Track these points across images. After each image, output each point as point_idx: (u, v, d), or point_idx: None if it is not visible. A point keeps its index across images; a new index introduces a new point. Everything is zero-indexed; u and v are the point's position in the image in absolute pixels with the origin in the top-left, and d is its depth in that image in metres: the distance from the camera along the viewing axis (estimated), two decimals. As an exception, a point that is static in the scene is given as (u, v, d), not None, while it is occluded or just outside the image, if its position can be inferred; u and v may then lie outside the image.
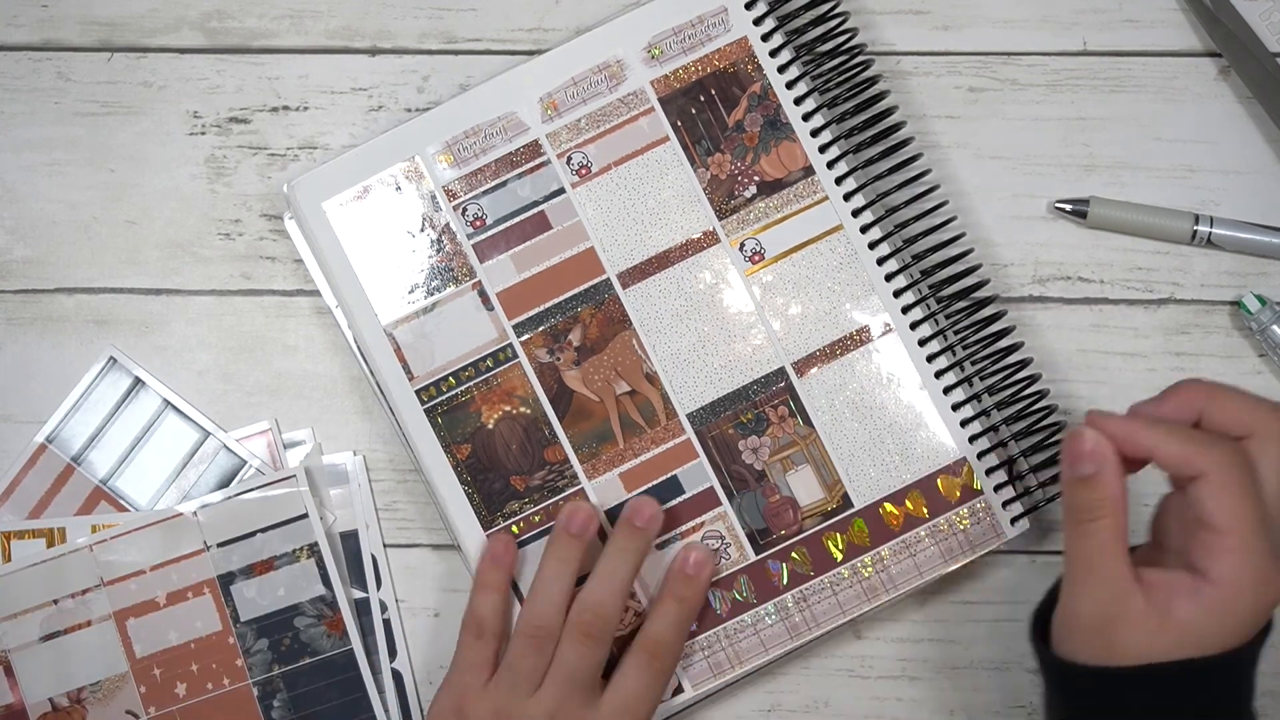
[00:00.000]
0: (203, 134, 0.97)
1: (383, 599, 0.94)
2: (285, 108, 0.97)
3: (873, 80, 0.92)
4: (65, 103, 0.97)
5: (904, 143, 0.92)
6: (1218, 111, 0.96)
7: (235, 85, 0.97)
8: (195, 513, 0.93)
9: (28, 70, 0.97)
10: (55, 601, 0.92)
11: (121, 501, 0.94)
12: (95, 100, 0.97)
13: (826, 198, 0.92)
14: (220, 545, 0.93)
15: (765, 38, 0.92)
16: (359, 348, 0.93)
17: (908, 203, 0.92)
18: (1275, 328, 0.93)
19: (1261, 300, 0.94)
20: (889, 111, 0.92)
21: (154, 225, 0.96)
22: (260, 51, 0.97)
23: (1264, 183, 0.96)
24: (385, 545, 0.95)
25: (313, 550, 0.93)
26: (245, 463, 0.94)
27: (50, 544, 0.93)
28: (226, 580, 0.93)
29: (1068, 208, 0.95)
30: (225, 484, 0.94)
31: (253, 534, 0.93)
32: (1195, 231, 0.94)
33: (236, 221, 0.96)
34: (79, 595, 0.92)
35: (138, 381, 0.95)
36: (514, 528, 0.91)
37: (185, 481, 0.94)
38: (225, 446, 0.94)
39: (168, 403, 0.95)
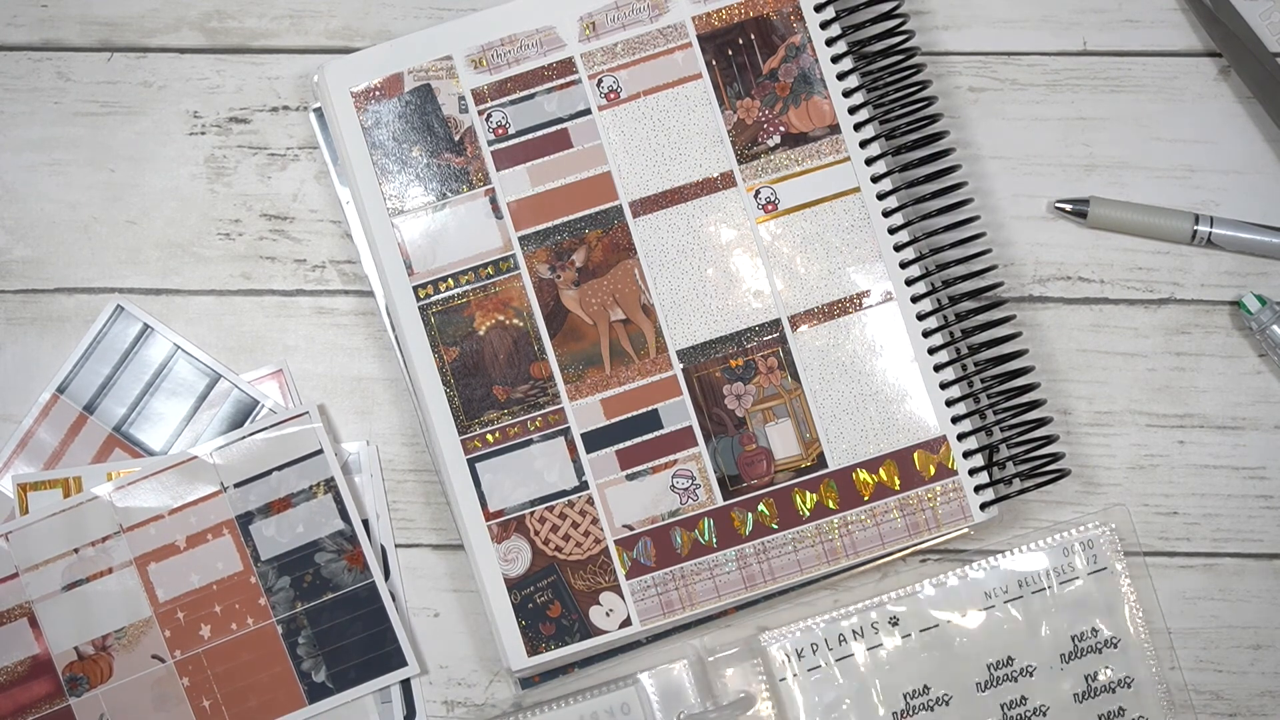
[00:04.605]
0: (203, 134, 0.97)
1: (393, 590, 0.94)
2: (285, 108, 0.97)
3: (912, 52, 0.92)
4: (65, 103, 0.97)
5: (934, 118, 0.92)
6: (1218, 111, 0.96)
7: (235, 85, 0.97)
8: (211, 454, 0.93)
9: (28, 70, 0.97)
10: (75, 550, 0.92)
11: (136, 448, 0.94)
12: (95, 100, 0.97)
13: (848, 159, 0.92)
14: (237, 485, 0.93)
15: None
16: (367, 239, 0.93)
17: (929, 178, 0.92)
18: (1275, 328, 0.93)
19: (1261, 300, 0.94)
20: (923, 85, 0.92)
21: (154, 225, 0.96)
22: (260, 51, 0.97)
23: (1264, 183, 0.96)
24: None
25: (329, 485, 0.93)
26: (258, 404, 0.94)
27: (67, 494, 0.93)
28: (245, 520, 0.93)
29: (1068, 208, 0.95)
30: (238, 426, 0.94)
31: (268, 473, 0.93)
32: (1195, 231, 0.94)
33: (236, 221, 0.96)
34: (99, 543, 0.92)
35: (146, 328, 0.95)
36: (489, 436, 0.92)
37: (199, 425, 0.94)
38: (237, 388, 0.94)
39: (178, 347, 0.95)
